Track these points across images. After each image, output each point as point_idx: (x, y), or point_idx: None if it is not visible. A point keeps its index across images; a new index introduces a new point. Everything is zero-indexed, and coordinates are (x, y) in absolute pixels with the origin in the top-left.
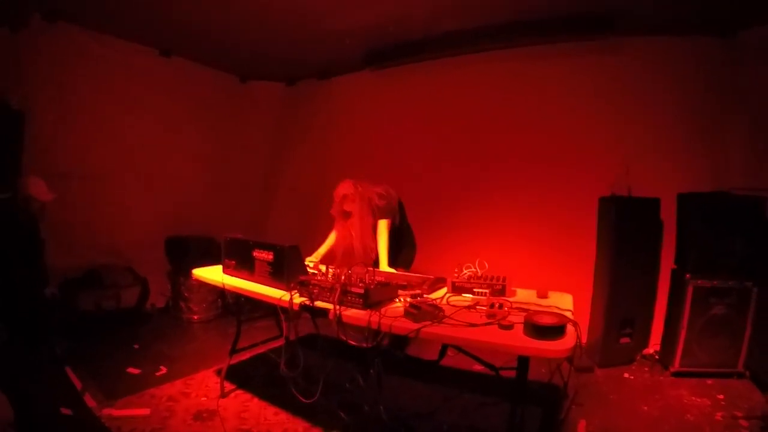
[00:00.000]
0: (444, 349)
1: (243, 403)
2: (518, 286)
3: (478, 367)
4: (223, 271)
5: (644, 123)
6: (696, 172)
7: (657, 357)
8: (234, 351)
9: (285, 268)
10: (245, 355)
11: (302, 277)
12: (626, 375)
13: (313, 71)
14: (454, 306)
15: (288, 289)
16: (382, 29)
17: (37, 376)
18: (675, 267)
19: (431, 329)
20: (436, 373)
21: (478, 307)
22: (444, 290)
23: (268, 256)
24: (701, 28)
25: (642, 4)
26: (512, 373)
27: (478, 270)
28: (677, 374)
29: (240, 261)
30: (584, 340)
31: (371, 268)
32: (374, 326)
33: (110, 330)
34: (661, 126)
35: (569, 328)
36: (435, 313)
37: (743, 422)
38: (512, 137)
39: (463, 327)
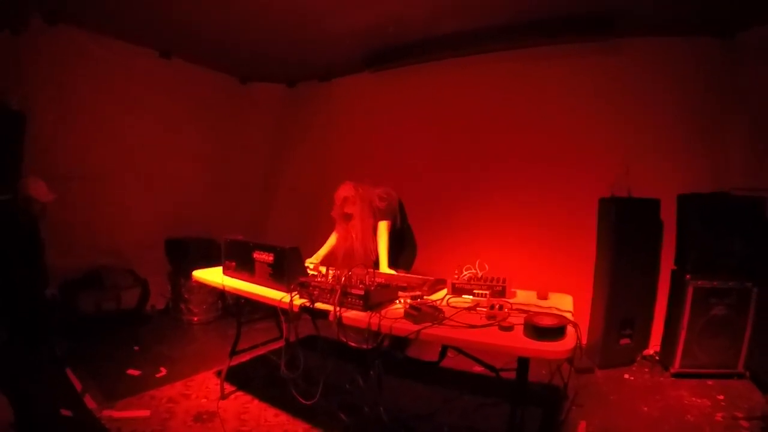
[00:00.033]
0: (444, 350)
1: (243, 404)
2: (518, 287)
3: (478, 369)
4: (223, 273)
5: (644, 123)
6: (696, 173)
7: (657, 358)
8: (234, 352)
9: (285, 269)
10: (245, 357)
11: (302, 279)
12: (626, 376)
13: (313, 73)
14: (454, 307)
15: (288, 290)
16: (382, 30)
17: (37, 377)
18: (675, 268)
19: (431, 330)
20: (436, 375)
21: (478, 308)
22: (444, 292)
23: (269, 257)
24: (701, 28)
25: (642, 5)
26: (512, 375)
27: (478, 271)
28: (677, 375)
29: (240, 262)
30: (584, 341)
31: (371, 270)
32: (374, 328)
33: (110, 331)
34: (661, 126)
35: (569, 329)
36: (435, 314)
37: (743, 423)
38: (512, 137)
39: (463, 328)
